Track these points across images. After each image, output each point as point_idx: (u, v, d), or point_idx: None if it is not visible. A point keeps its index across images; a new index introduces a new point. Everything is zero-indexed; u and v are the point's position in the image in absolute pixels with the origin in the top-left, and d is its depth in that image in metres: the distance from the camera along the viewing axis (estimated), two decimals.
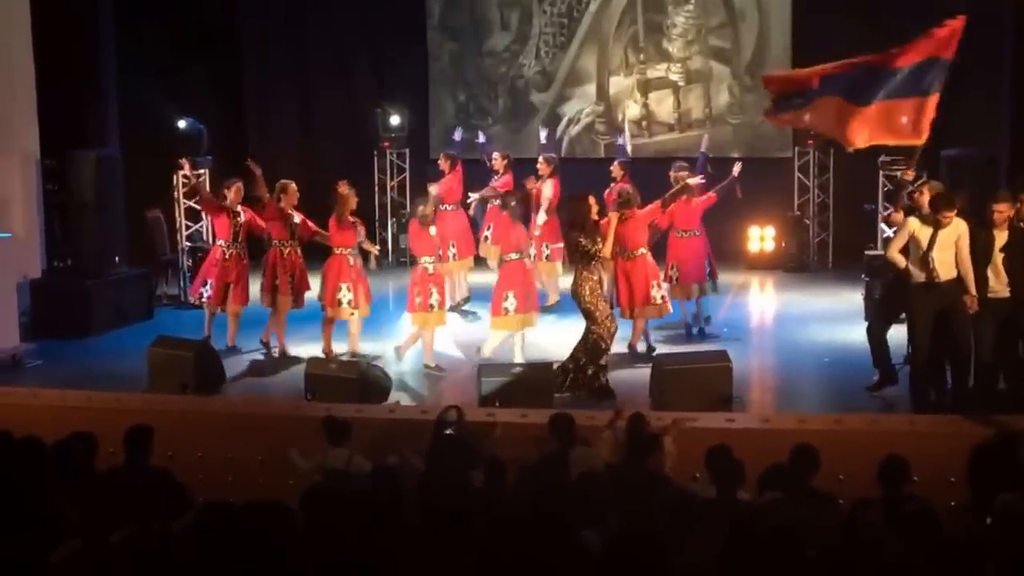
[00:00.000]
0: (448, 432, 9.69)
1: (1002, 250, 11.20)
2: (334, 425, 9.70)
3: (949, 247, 11.07)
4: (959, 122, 17.95)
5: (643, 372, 12.53)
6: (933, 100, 11.62)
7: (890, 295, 12.35)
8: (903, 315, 11.89)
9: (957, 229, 11.09)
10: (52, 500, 7.81)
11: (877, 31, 18.53)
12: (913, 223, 11.23)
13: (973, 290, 11.12)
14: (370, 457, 9.35)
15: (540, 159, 16.32)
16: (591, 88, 20.92)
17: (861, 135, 11.92)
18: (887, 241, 12.70)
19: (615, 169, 15.32)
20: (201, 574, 6.36)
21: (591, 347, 12.51)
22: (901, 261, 11.34)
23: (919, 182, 12.94)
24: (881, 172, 17.30)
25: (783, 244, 19.41)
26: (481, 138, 18.10)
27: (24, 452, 8.45)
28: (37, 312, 15.54)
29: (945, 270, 11.09)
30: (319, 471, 9.44)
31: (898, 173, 11.94)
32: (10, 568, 6.27)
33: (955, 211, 11.10)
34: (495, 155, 16.66)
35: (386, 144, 20.61)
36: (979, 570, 6.30)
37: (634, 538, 6.07)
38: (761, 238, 19.54)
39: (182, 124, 17.86)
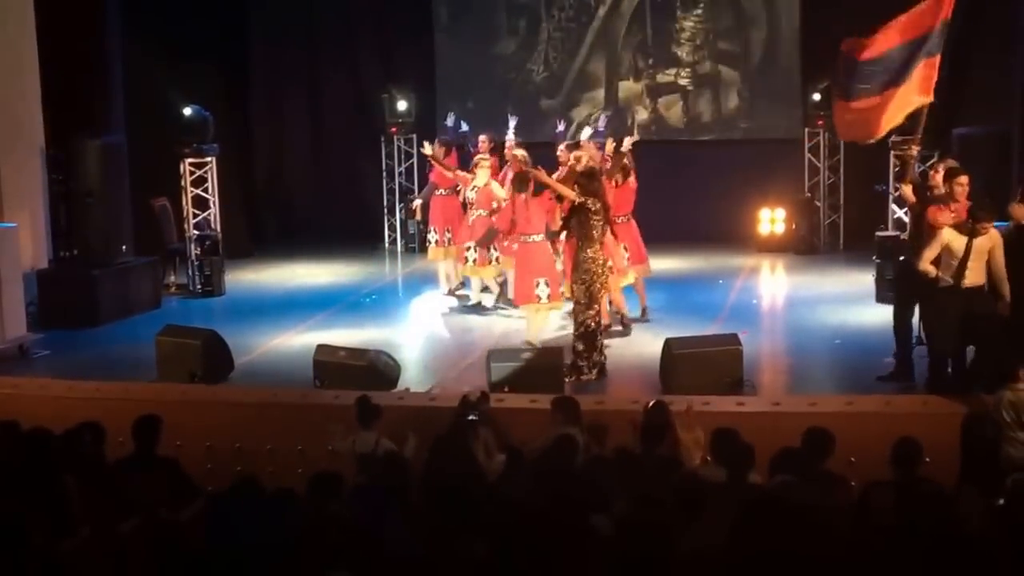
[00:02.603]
0: (471, 417, 9.69)
1: None
2: (366, 407, 9.65)
3: (983, 255, 10.89)
4: (972, 100, 17.90)
5: (653, 355, 12.45)
6: (935, 60, 11.55)
7: (905, 277, 12.28)
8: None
9: (992, 238, 10.92)
10: (62, 490, 7.80)
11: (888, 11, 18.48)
12: (948, 234, 10.96)
13: (1007, 297, 10.95)
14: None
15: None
16: (599, 93, 20.81)
17: (878, 124, 11.85)
18: (899, 221, 12.62)
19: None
20: (209, 563, 6.33)
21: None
22: (932, 271, 11.09)
23: (931, 161, 12.81)
24: (892, 152, 17.20)
25: (794, 226, 19.33)
26: (450, 120, 17.82)
27: (31, 443, 8.43)
28: (44, 302, 15.50)
29: (975, 277, 10.92)
30: (350, 454, 9.43)
31: (903, 149, 11.75)
32: (21, 557, 6.26)
33: (993, 222, 10.93)
34: (481, 138, 16.49)
35: (393, 130, 20.54)
36: (991, 552, 6.25)
37: (643, 522, 6.03)
38: (772, 220, 19.45)
39: (188, 112, 17.79)
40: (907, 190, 11.89)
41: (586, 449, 8.86)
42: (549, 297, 13.51)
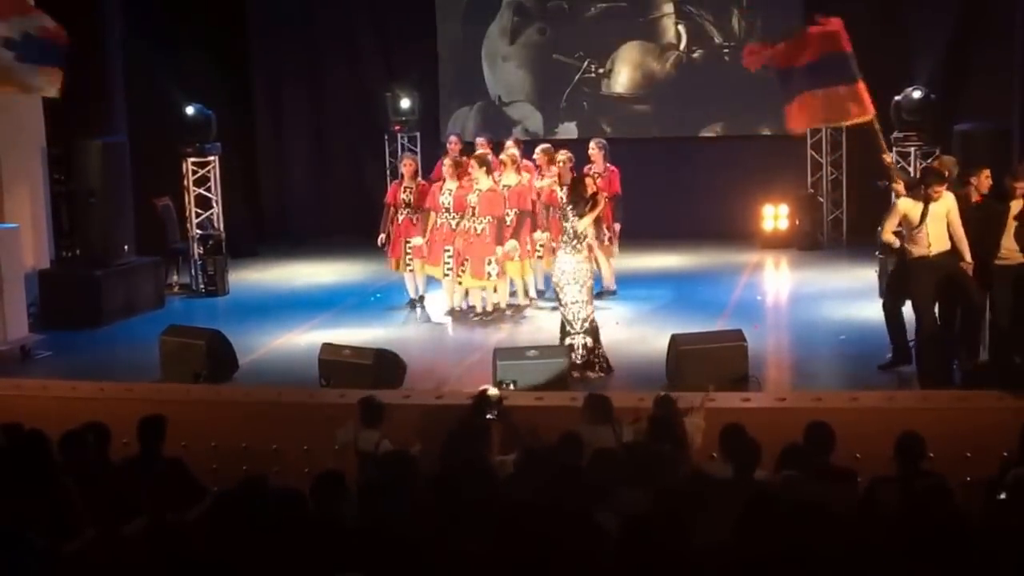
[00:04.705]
0: (489, 416, 9.70)
1: (1016, 218, 11.46)
2: (370, 406, 9.64)
3: (941, 220, 11.38)
4: (971, 96, 17.90)
5: (659, 351, 12.45)
6: (861, 84, 12.02)
7: (899, 272, 12.40)
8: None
9: (947, 202, 11.40)
10: (65, 492, 7.79)
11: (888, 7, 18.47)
12: (904, 203, 11.53)
13: (968, 257, 11.42)
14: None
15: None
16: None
17: (801, 119, 12.59)
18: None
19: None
20: (215, 563, 6.31)
21: (560, 324, 12.75)
22: (896, 241, 11.73)
23: (932, 158, 13.06)
24: (894, 149, 17.19)
25: (797, 222, 19.31)
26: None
27: (28, 444, 8.42)
28: (46, 303, 15.49)
29: (939, 243, 11.41)
30: (353, 448, 9.46)
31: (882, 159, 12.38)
32: (23, 559, 6.24)
33: (945, 184, 11.40)
34: (479, 140, 16.53)
35: (397, 128, 20.53)
36: (993, 545, 6.26)
37: (652, 519, 6.02)
38: (775, 216, 19.43)
39: (190, 111, 17.78)
40: (900, 187, 12.23)
41: (618, 446, 8.86)
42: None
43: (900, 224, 11.71)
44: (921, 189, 11.50)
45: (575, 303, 12.54)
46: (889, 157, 12.76)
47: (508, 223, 14.79)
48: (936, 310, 11.76)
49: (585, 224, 12.50)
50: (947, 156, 13.53)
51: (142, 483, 7.92)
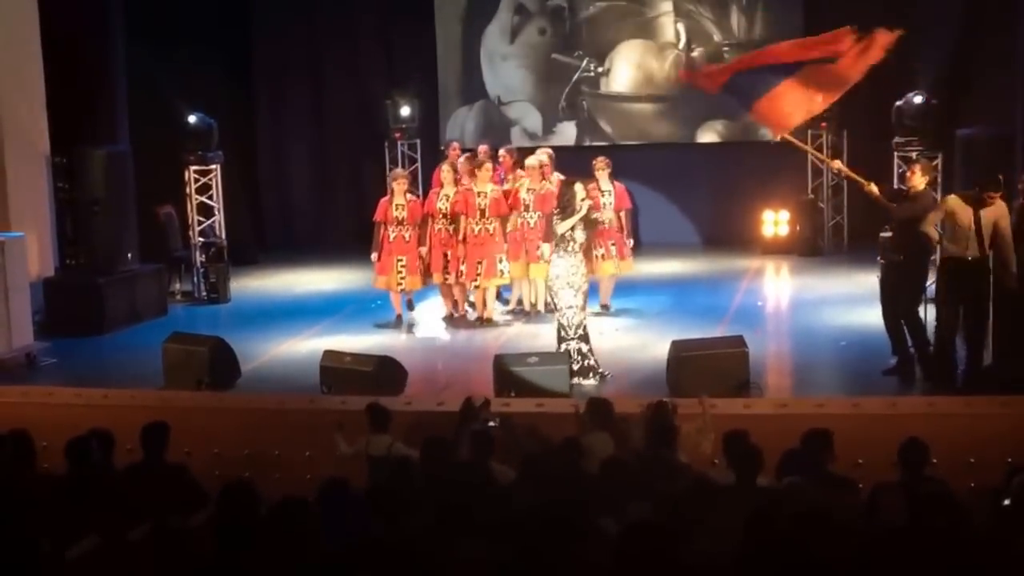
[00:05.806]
0: (492, 424, 9.72)
1: None
2: (377, 412, 9.74)
3: (988, 227, 11.22)
4: (974, 101, 17.90)
5: (660, 358, 12.46)
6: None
7: (892, 277, 12.40)
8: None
9: (998, 210, 11.22)
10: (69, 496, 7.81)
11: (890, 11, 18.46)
12: (953, 202, 11.38)
13: (1013, 269, 11.25)
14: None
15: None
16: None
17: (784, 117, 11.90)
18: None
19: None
20: (218, 570, 6.33)
21: (556, 330, 12.78)
22: (935, 235, 11.54)
23: (913, 161, 13.10)
24: (895, 153, 17.21)
25: (797, 228, 19.32)
26: None
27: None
28: (51, 311, 15.54)
29: (977, 248, 11.28)
30: (362, 456, 9.54)
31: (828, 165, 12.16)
32: (25, 565, 6.25)
33: (1000, 192, 11.23)
34: (482, 148, 16.54)
35: (397, 135, 20.55)
36: (997, 552, 6.26)
37: (647, 527, 6.03)
38: (775, 222, 19.45)
39: (192, 119, 17.83)
40: (873, 187, 12.08)
41: (617, 450, 8.87)
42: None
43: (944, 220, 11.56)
44: (975, 191, 11.36)
45: (570, 308, 12.58)
46: (836, 164, 12.62)
47: (532, 225, 14.94)
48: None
49: (564, 227, 12.54)
50: (924, 160, 13.49)
51: (146, 489, 7.96)
